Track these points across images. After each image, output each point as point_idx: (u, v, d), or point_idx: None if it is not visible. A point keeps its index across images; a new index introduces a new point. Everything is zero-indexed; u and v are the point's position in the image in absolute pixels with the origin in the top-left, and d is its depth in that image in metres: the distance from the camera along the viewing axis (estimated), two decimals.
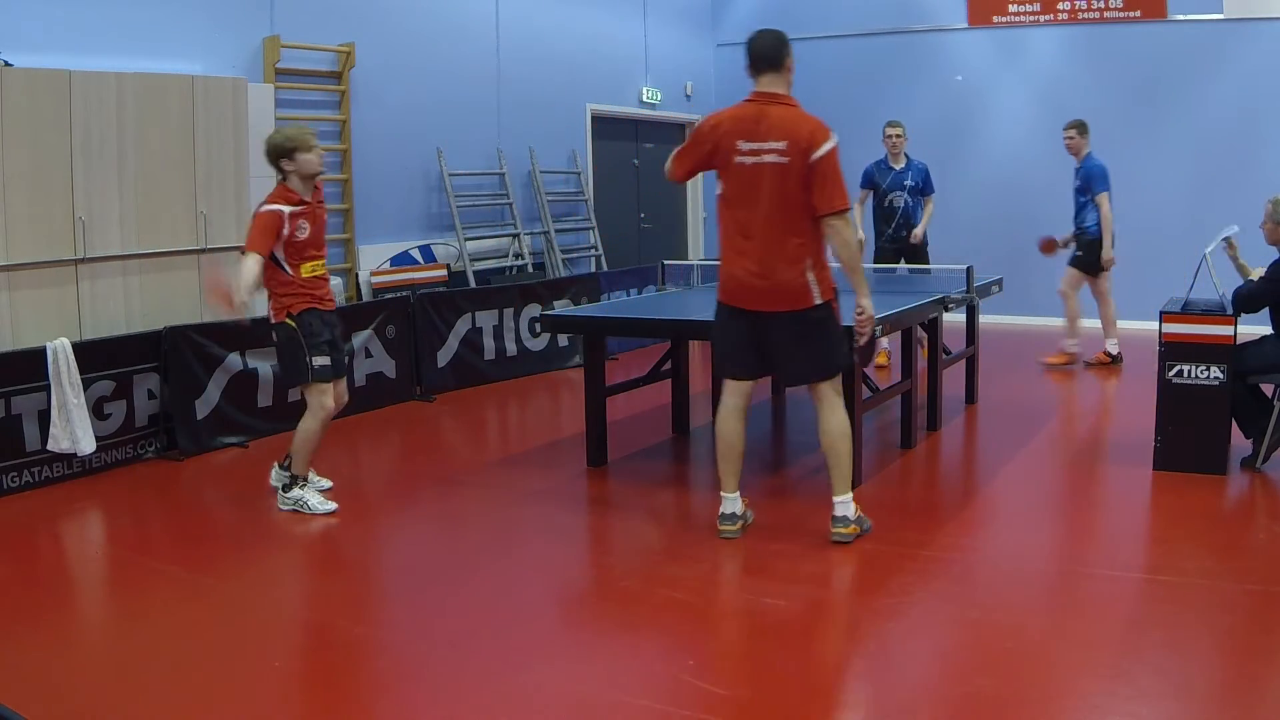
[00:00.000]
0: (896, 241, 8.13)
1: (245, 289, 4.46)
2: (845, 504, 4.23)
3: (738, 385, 4.29)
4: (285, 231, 4.59)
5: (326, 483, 5.18)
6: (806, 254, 4.03)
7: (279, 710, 3.05)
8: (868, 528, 4.33)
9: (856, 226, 8.00)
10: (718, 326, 4.28)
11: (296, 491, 4.88)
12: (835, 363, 4.20)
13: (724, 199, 4.13)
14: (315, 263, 4.79)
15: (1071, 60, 10.41)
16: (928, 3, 11.00)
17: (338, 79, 7.78)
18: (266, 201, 4.63)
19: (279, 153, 4.66)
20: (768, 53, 4.07)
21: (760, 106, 4.04)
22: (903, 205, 8.11)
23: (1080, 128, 8.14)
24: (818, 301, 4.06)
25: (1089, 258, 8.19)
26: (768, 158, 3.95)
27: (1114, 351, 8.31)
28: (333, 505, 4.86)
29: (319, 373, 4.75)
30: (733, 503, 4.36)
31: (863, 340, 4.28)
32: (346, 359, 5.22)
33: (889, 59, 11.15)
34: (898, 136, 8.12)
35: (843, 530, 4.22)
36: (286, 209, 4.61)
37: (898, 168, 8.15)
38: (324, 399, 4.79)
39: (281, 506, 4.90)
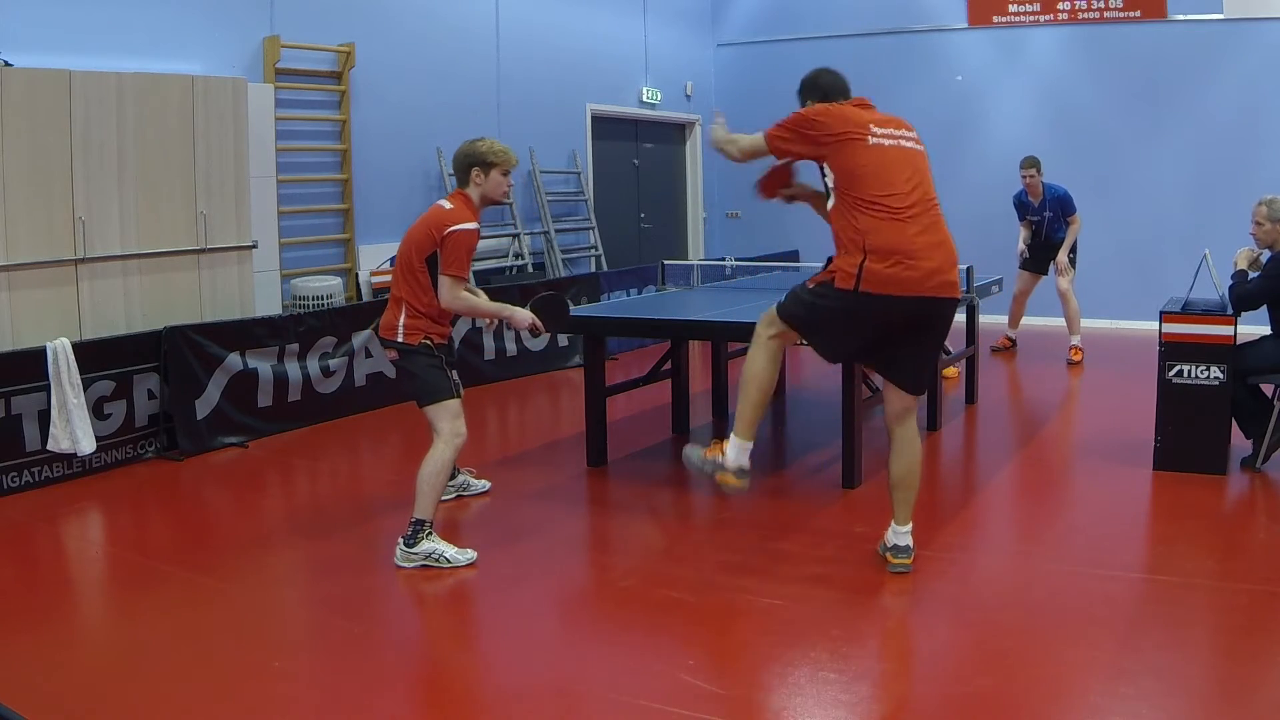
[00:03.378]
0: (1044, 247, 8.51)
1: (494, 312, 4.39)
2: (903, 533, 4.02)
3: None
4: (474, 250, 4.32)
5: (485, 483, 5.14)
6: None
7: (279, 710, 3.05)
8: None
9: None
10: (865, 317, 3.82)
11: (426, 544, 4.16)
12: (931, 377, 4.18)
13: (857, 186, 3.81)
14: (469, 286, 4.48)
15: (1071, 60, 10.41)
16: (928, 3, 11.00)
17: (338, 79, 7.78)
18: (455, 214, 4.23)
19: (476, 161, 4.34)
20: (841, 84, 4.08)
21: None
22: (1044, 230, 8.49)
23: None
24: (962, 292, 4.04)
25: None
26: (906, 143, 3.86)
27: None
28: (473, 554, 4.20)
29: (459, 387, 4.32)
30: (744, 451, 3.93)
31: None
32: None
33: (889, 59, 11.14)
34: (1030, 178, 8.36)
35: (907, 560, 3.99)
36: (477, 225, 4.31)
37: (1035, 202, 8.46)
38: (459, 423, 4.26)
39: (405, 564, 4.15)
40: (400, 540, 4.18)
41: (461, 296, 4.26)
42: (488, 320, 4.29)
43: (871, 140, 3.74)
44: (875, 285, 3.68)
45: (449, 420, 4.23)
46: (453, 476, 4.97)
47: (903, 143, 3.80)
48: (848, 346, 4.04)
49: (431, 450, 4.21)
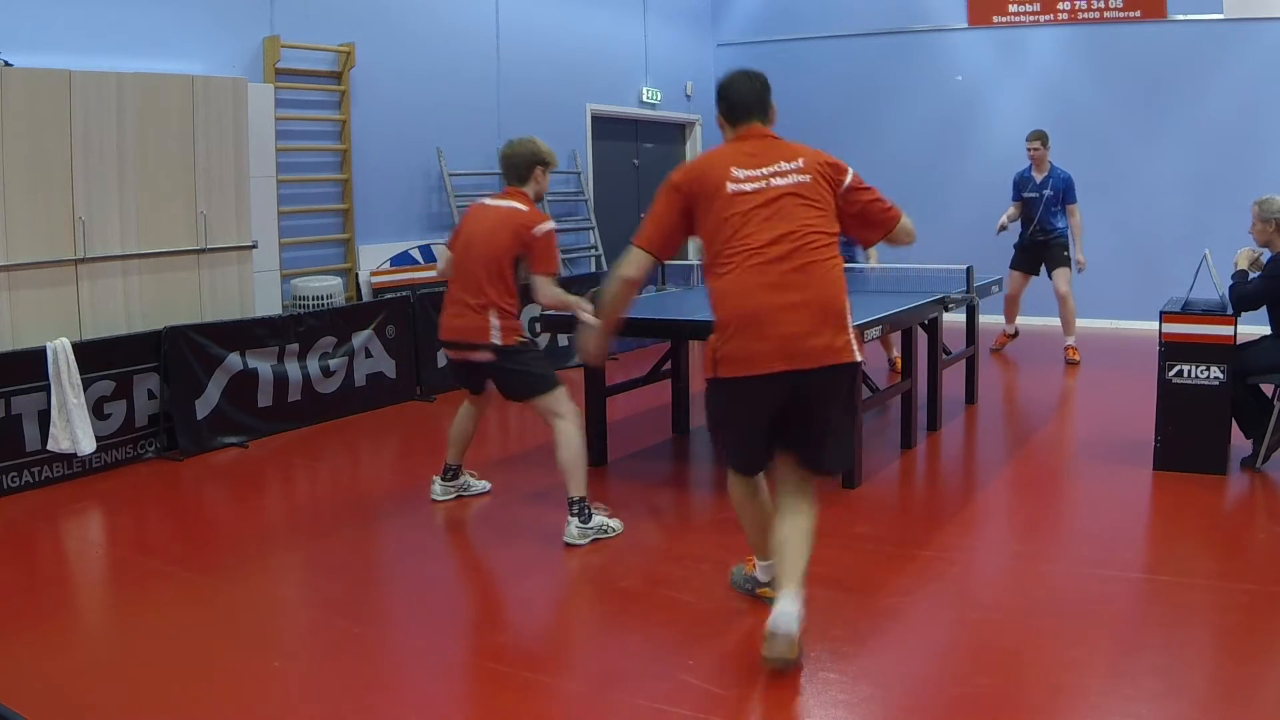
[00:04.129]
0: (1034, 243, 8.34)
1: (576, 304, 4.43)
2: (788, 595, 3.20)
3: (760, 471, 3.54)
4: None
5: (485, 484, 5.14)
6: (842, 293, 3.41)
7: (279, 710, 3.05)
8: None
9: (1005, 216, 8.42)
10: (733, 407, 3.39)
11: (597, 518, 4.40)
12: (850, 451, 3.58)
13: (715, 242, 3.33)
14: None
15: (1071, 60, 10.41)
16: (928, 3, 11.00)
17: (338, 79, 7.78)
18: (533, 215, 4.45)
19: (539, 160, 4.51)
20: (752, 101, 3.47)
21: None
22: (1039, 211, 8.29)
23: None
24: (853, 359, 3.24)
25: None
26: (779, 180, 3.30)
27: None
28: (621, 523, 4.50)
29: (558, 378, 4.54)
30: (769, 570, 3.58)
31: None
32: None
33: (889, 59, 11.15)
34: (1035, 150, 8.27)
35: (788, 637, 3.14)
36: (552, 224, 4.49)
37: (1038, 178, 8.32)
38: (571, 401, 4.50)
39: (580, 542, 4.33)
40: (573, 521, 4.34)
41: (559, 295, 4.42)
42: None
43: (730, 188, 3.23)
44: (727, 367, 3.20)
45: (564, 401, 4.45)
46: (455, 477, 4.97)
47: (774, 181, 3.23)
48: (751, 447, 3.41)
49: (561, 434, 4.41)
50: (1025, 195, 8.37)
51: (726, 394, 3.29)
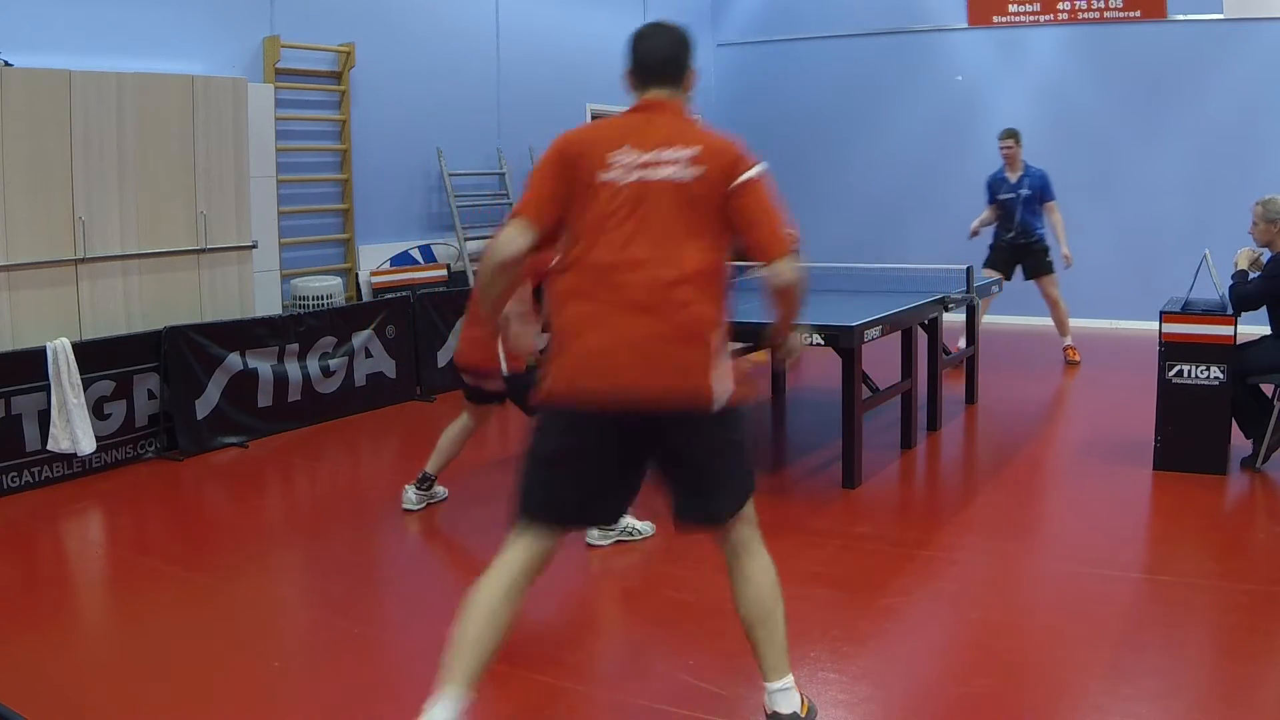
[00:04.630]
0: (1014, 246, 8.15)
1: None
2: (787, 692, 2.73)
3: (544, 539, 2.69)
4: None
5: (444, 491, 5.02)
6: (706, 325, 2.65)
7: (278, 710, 3.05)
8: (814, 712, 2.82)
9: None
10: (561, 433, 2.69)
11: (623, 519, 4.31)
12: (743, 488, 2.83)
13: (574, 243, 2.69)
14: None
15: (1071, 60, 10.41)
16: (928, 3, 11.00)
17: (338, 79, 7.78)
18: None
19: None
20: (659, 59, 2.88)
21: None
22: (1018, 211, 8.10)
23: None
24: (720, 400, 2.63)
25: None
26: (662, 170, 2.64)
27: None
28: (653, 525, 4.44)
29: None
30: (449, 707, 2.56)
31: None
32: None
33: (889, 59, 11.14)
34: (1008, 149, 8.12)
35: None
36: None
37: (1013, 178, 8.15)
38: None
39: (601, 543, 4.36)
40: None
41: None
42: None
43: (601, 177, 2.61)
44: (559, 394, 2.62)
45: None
46: (430, 486, 4.91)
47: (653, 173, 2.60)
48: (561, 497, 2.68)
49: None
50: (1001, 197, 8.18)
51: (556, 425, 2.67)
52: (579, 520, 2.83)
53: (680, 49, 2.86)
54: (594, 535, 4.34)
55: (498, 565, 2.65)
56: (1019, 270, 8.19)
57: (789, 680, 2.71)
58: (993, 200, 8.26)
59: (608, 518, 2.93)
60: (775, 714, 2.70)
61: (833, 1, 11.39)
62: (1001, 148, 8.14)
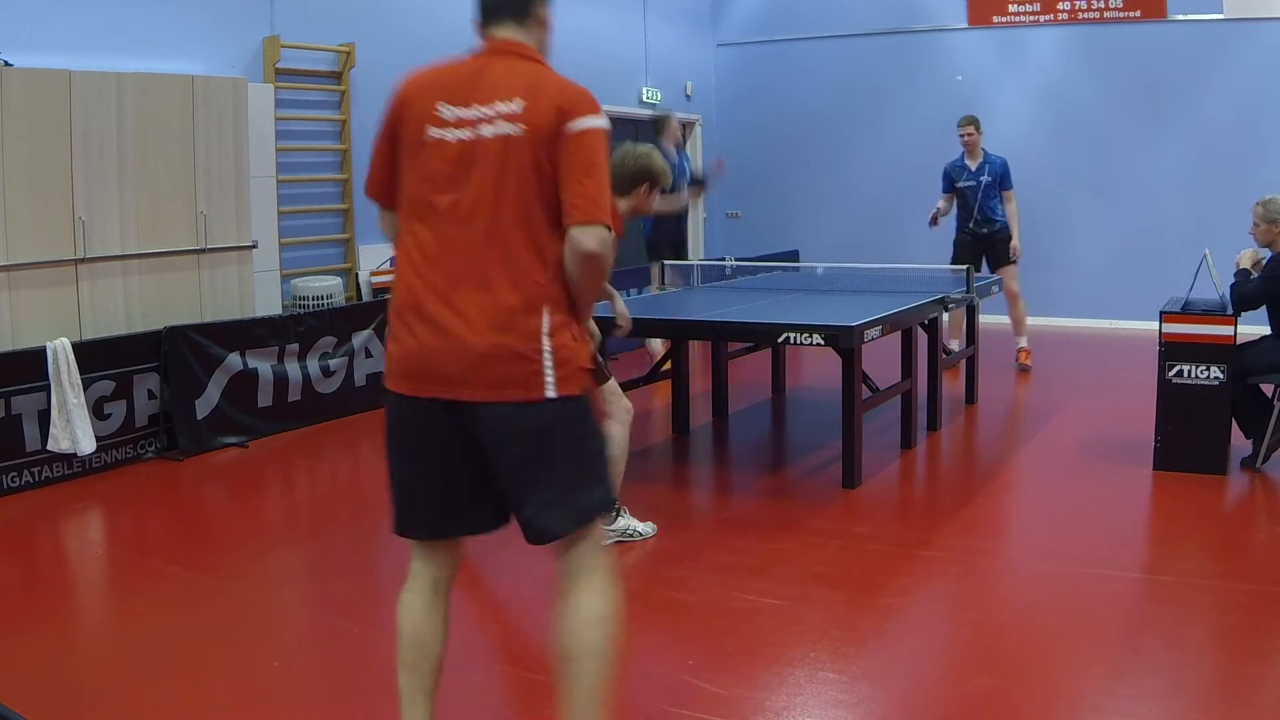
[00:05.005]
0: (976, 237, 7.96)
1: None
2: None
3: (427, 553, 2.49)
4: None
5: None
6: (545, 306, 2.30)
7: (278, 710, 3.05)
8: None
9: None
10: (391, 433, 2.44)
11: (621, 521, 4.34)
12: (599, 496, 2.40)
13: (407, 208, 2.39)
14: None
15: (1071, 60, 10.41)
16: (928, 3, 11.00)
17: (338, 79, 7.78)
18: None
19: (646, 178, 4.16)
20: None
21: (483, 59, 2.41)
22: (977, 199, 7.91)
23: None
24: (551, 394, 2.28)
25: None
26: (487, 128, 2.30)
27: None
28: (654, 526, 4.47)
29: (607, 373, 4.24)
30: None
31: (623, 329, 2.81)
32: None
33: (889, 59, 11.15)
34: (969, 136, 7.95)
35: None
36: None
37: (973, 165, 7.97)
38: (624, 399, 4.27)
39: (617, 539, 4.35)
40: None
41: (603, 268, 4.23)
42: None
43: (431, 134, 2.32)
44: (389, 376, 2.38)
45: (614, 400, 4.22)
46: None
47: (484, 130, 2.28)
48: (414, 503, 2.42)
49: (603, 430, 4.23)
50: (960, 185, 7.96)
51: (391, 411, 2.41)
52: (430, 533, 2.45)
53: None
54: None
55: (407, 582, 2.50)
56: (984, 263, 7.97)
57: None
58: (949, 189, 8.05)
59: (463, 529, 2.47)
60: None
61: (833, 1, 11.40)
62: (962, 134, 7.95)
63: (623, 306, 4.58)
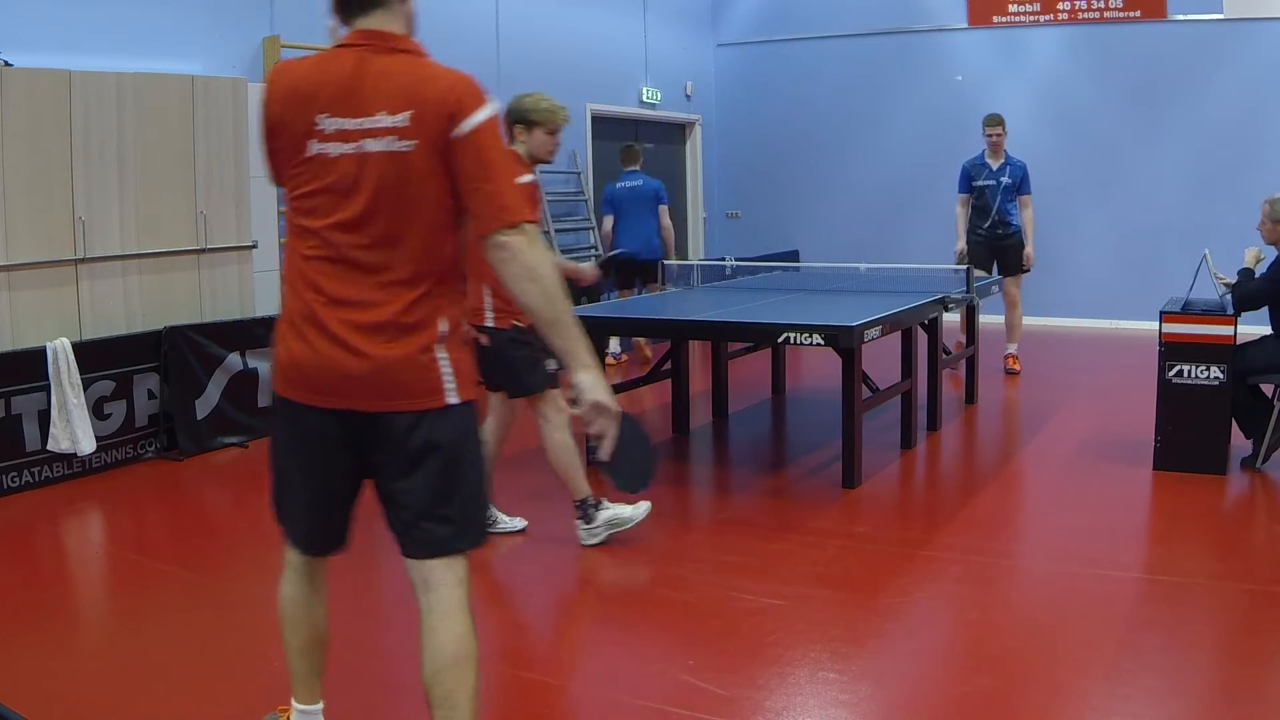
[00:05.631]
0: (991, 239, 7.78)
1: (570, 268, 4.27)
2: None
3: (306, 561, 2.61)
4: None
5: (520, 522, 4.58)
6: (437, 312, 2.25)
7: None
8: None
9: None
10: (276, 438, 2.43)
11: (602, 514, 4.29)
12: (477, 517, 2.37)
13: (292, 215, 2.31)
14: None
15: (1071, 60, 10.42)
16: (928, 3, 11.00)
17: None
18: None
19: (517, 118, 4.30)
20: None
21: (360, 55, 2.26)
22: (996, 200, 7.72)
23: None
24: (452, 400, 2.26)
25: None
26: (372, 143, 2.20)
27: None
28: (646, 504, 4.39)
29: (553, 378, 4.19)
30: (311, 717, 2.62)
31: (604, 451, 2.38)
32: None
33: (889, 59, 11.15)
34: (995, 136, 7.74)
35: None
36: (531, 176, 4.05)
37: (994, 165, 7.79)
38: (560, 402, 4.20)
39: (591, 541, 4.29)
40: (579, 525, 4.30)
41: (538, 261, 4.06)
42: None
43: (313, 149, 2.22)
44: (279, 382, 2.33)
45: (550, 406, 4.21)
46: (598, 501, 4.45)
47: (371, 144, 2.18)
48: (315, 509, 2.43)
49: (545, 438, 4.25)
50: (980, 184, 7.78)
51: (282, 418, 2.36)
52: (311, 544, 2.49)
53: None
54: (581, 537, 4.31)
55: (285, 573, 2.57)
56: (995, 266, 7.83)
57: None
58: (967, 189, 7.88)
59: (339, 541, 2.53)
60: None
61: (833, 1, 11.40)
62: (989, 134, 7.76)
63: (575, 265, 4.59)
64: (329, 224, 2.22)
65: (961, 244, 7.83)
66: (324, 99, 2.21)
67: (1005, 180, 7.72)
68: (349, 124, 2.19)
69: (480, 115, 2.19)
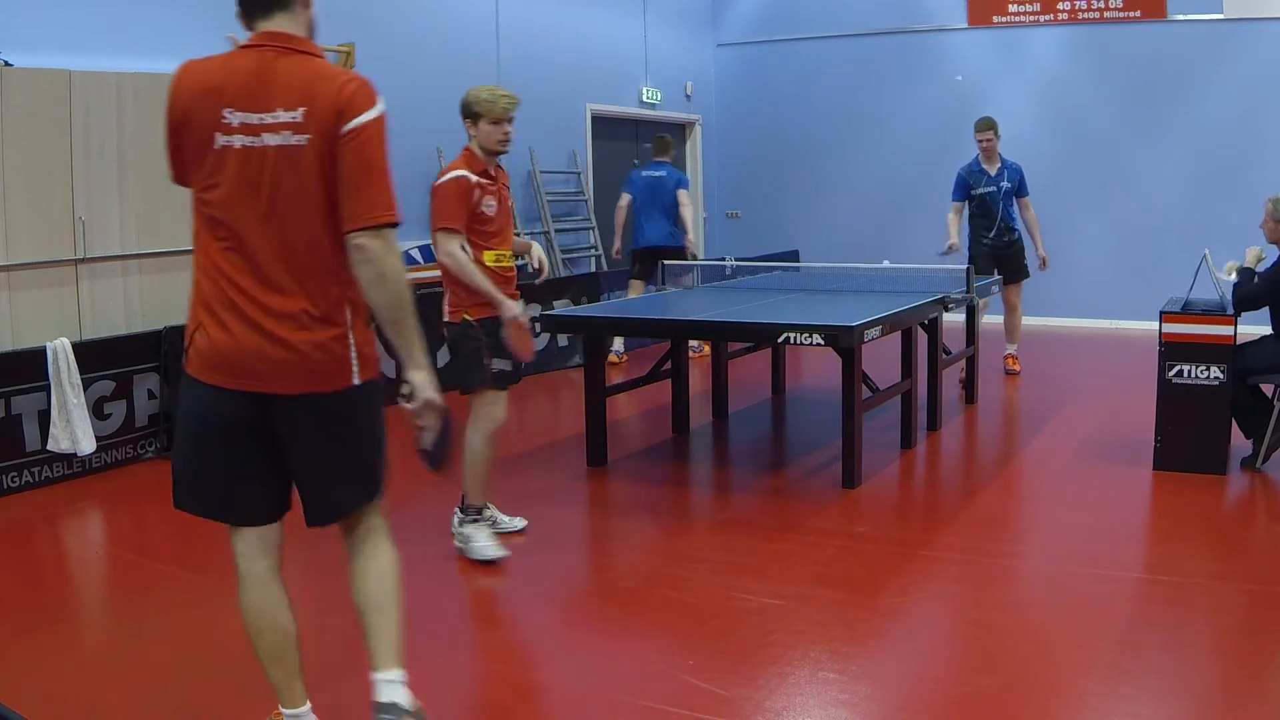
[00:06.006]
0: (998, 247, 7.58)
1: (484, 290, 3.97)
2: (394, 684, 2.58)
3: (250, 536, 2.60)
4: (474, 200, 4.02)
5: (520, 522, 4.53)
6: (344, 302, 2.46)
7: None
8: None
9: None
10: (184, 420, 2.53)
11: (470, 527, 4.18)
12: (381, 476, 2.68)
13: (201, 207, 2.44)
14: (501, 252, 4.15)
15: (1071, 60, 10.42)
16: (928, 3, 11.01)
17: None
18: (446, 170, 4.16)
19: (464, 112, 4.28)
20: None
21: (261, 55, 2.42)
22: (998, 205, 7.54)
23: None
24: (356, 381, 2.50)
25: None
26: (271, 137, 2.35)
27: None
28: (504, 552, 4.15)
29: (498, 378, 4.09)
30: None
31: (426, 440, 2.65)
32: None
33: (889, 59, 11.15)
34: (987, 141, 7.54)
35: None
36: (473, 176, 4.09)
37: (991, 170, 7.59)
38: (495, 409, 4.11)
39: (456, 544, 4.24)
40: (455, 514, 4.25)
41: (453, 254, 3.94)
42: None
43: (219, 141, 2.37)
44: (197, 367, 2.44)
45: (483, 404, 4.11)
46: (482, 510, 4.34)
47: (271, 138, 2.34)
48: (240, 483, 2.50)
49: (467, 437, 4.12)
50: (980, 192, 7.57)
51: (197, 400, 2.47)
52: (241, 518, 2.58)
53: None
54: (455, 529, 4.23)
55: (241, 582, 2.65)
56: (996, 273, 7.60)
57: (396, 674, 2.57)
58: (964, 197, 7.65)
59: (262, 514, 2.58)
60: (376, 702, 2.56)
61: (833, 1, 11.40)
62: (981, 140, 7.56)
63: (540, 252, 4.43)
64: (237, 215, 2.36)
65: (953, 239, 7.56)
66: (229, 94, 2.37)
67: (1005, 185, 7.56)
68: (252, 118, 2.35)
69: (367, 115, 2.37)
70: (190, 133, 2.42)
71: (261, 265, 2.36)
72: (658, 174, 8.51)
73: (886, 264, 7.33)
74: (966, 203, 7.67)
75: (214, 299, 2.39)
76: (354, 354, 2.47)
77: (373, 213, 2.35)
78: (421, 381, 2.49)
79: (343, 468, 2.53)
